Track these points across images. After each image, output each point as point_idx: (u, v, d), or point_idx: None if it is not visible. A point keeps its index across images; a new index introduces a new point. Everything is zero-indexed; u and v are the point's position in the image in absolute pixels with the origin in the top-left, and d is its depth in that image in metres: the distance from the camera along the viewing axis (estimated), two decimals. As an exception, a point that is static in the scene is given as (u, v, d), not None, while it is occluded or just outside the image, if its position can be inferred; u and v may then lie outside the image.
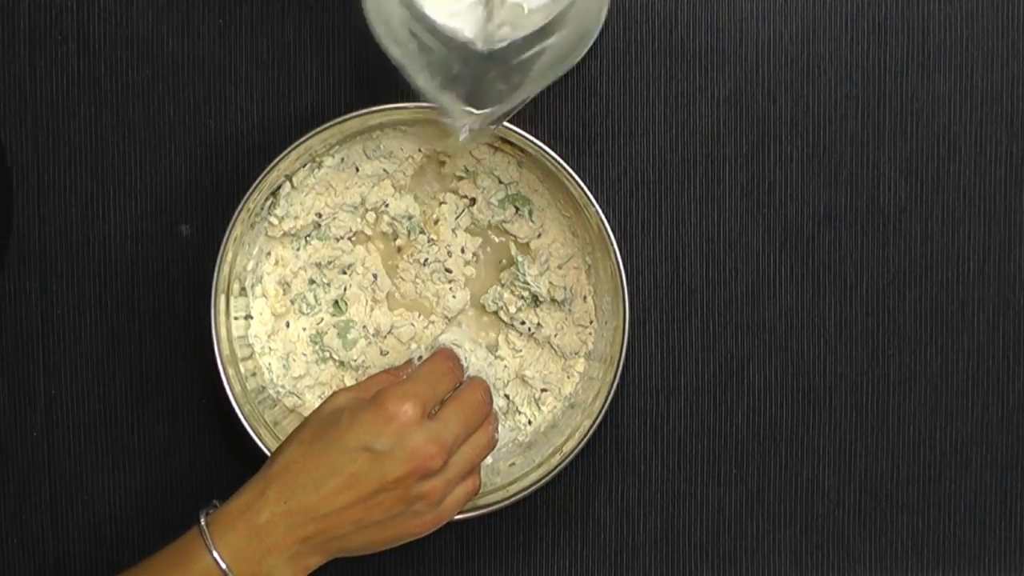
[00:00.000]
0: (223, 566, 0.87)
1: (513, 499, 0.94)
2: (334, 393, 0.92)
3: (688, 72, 0.99)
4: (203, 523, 0.87)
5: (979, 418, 1.00)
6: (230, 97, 0.98)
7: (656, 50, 0.99)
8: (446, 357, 0.95)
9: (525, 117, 0.96)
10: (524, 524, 1.01)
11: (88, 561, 1.00)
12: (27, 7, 0.98)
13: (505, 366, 0.99)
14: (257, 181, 0.92)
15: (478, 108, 0.88)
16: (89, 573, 1.00)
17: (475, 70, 0.87)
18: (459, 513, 0.92)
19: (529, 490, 0.94)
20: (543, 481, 0.94)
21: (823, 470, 1.01)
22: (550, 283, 0.98)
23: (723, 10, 0.98)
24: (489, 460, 0.97)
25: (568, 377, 0.99)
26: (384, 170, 0.98)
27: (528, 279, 0.97)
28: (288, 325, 0.99)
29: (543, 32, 0.87)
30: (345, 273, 0.99)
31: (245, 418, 0.94)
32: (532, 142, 0.93)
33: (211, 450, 1.00)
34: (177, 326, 0.99)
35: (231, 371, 0.95)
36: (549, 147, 0.93)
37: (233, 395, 0.94)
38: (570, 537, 1.01)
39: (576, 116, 0.97)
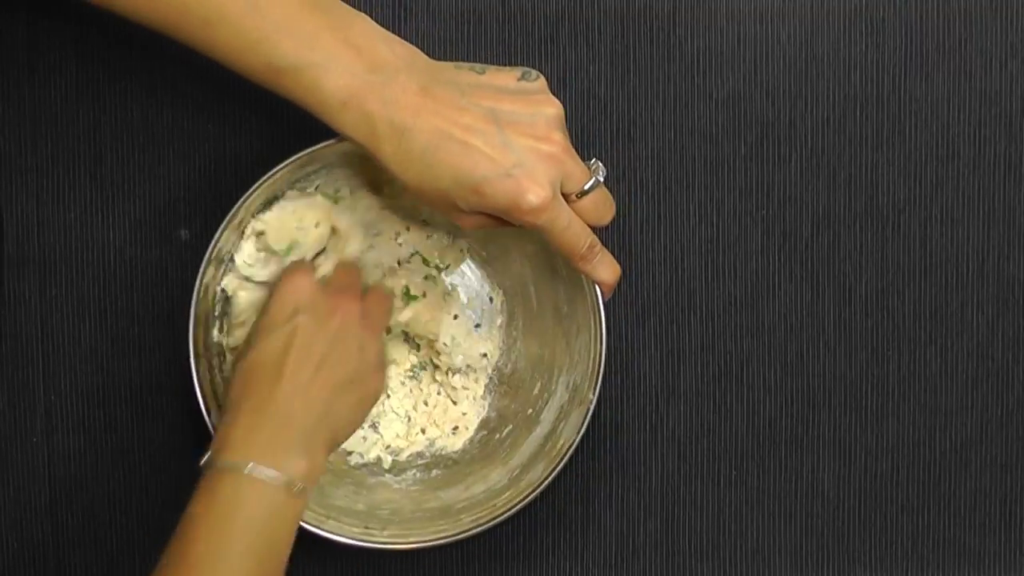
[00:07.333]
0: (269, 475, 0.85)
1: (514, 509, 0.94)
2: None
3: (686, 74, 0.99)
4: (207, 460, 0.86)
5: (979, 418, 1.00)
6: (229, 102, 0.98)
7: (654, 52, 0.99)
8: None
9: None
10: (524, 526, 1.01)
11: (88, 565, 1.00)
12: (25, 11, 0.98)
13: None
14: (247, 195, 0.91)
15: None
16: (89, 578, 1.00)
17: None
18: (462, 533, 0.93)
19: (528, 497, 0.94)
20: (541, 486, 0.94)
21: (823, 471, 1.01)
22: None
23: (721, 12, 0.98)
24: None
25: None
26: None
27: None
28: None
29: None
30: None
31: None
32: None
33: (211, 454, 1.00)
34: (176, 331, 0.99)
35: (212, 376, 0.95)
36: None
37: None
38: (570, 539, 1.01)
39: (574, 119, 0.97)
